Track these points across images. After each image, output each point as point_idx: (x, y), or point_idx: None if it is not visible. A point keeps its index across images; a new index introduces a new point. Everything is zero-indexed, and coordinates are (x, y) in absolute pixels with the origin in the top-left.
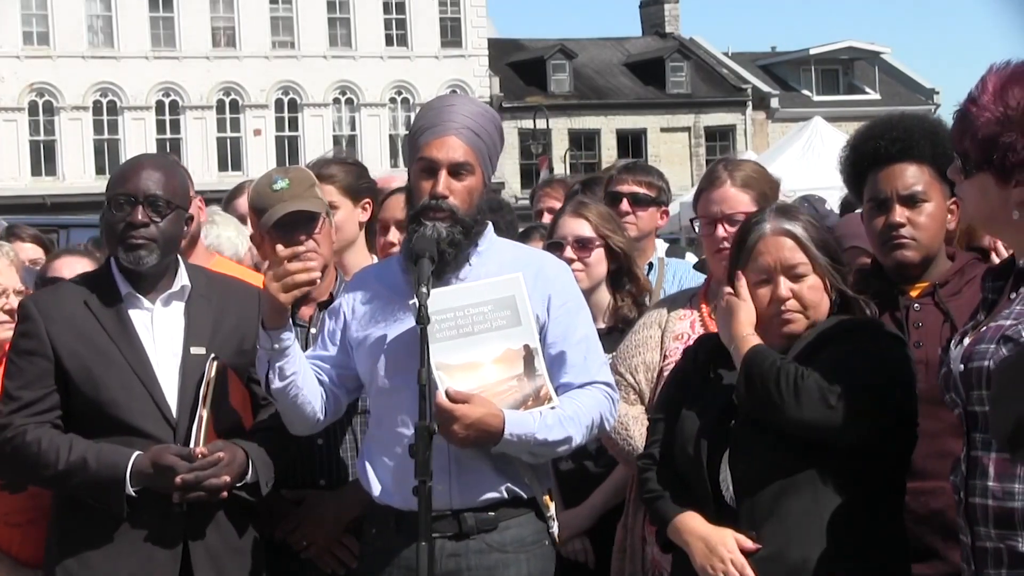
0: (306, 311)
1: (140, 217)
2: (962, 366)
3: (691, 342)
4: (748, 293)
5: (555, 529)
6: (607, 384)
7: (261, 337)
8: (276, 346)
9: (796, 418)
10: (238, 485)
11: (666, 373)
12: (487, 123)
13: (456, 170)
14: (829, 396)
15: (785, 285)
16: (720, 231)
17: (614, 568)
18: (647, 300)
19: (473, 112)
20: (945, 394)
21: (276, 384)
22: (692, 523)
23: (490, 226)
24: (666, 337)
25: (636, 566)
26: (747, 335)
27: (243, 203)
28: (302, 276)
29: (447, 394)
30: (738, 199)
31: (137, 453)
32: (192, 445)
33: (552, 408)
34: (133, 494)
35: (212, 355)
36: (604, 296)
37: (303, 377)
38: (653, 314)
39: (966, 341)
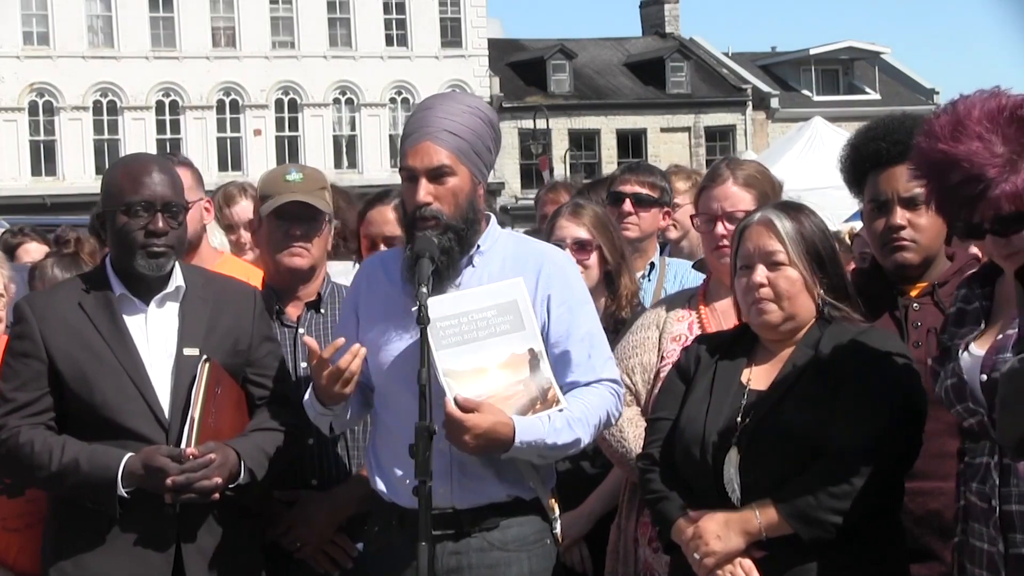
0: (293, 311)
1: (161, 225)
2: (984, 376)
3: (689, 343)
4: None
5: (558, 529)
6: (613, 381)
7: (319, 408)
8: (337, 413)
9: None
10: (231, 486)
11: (663, 374)
12: (469, 120)
13: (436, 174)
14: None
15: (761, 272)
16: (719, 228)
17: (608, 569)
18: (643, 301)
19: (452, 111)
20: (956, 405)
21: (336, 432)
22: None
23: (493, 220)
24: (664, 338)
25: (629, 568)
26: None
27: (238, 210)
28: (355, 365)
29: (456, 402)
30: (739, 197)
31: (129, 454)
32: (183, 446)
33: (560, 411)
34: (125, 495)
35: (204, 356)
36: (599, 298)
37: (354, 405)
38: (651, 315)
39: (974, 349)
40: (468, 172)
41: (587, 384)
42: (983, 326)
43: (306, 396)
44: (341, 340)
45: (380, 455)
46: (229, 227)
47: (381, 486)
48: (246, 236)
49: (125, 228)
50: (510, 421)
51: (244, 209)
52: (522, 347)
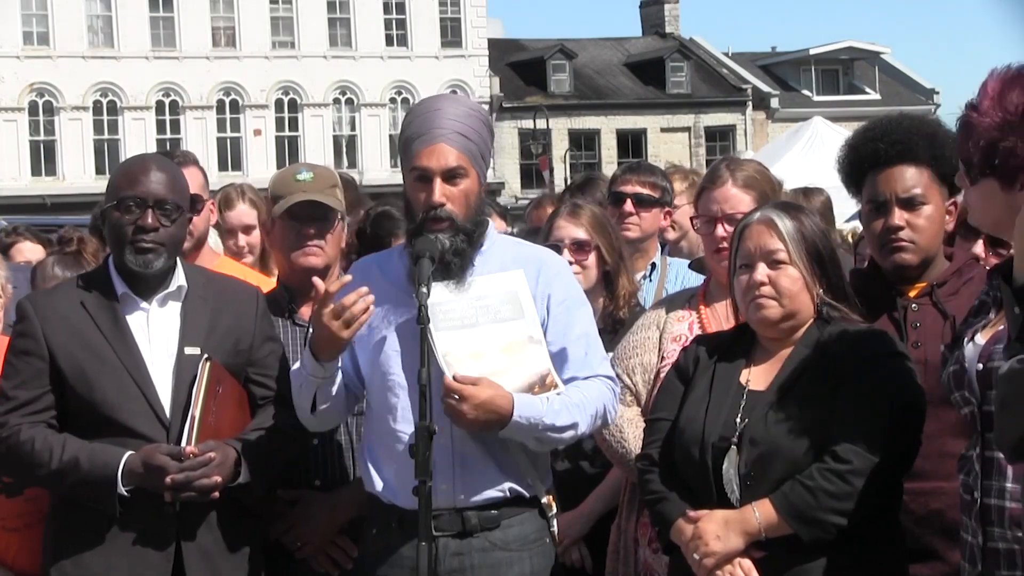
0: (307, 311)
1: (151, 221)
2: (980, 365)
3: (688, 343)
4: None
5: (555, 527)
6: (609, 377)
7: (310, 366)
8: (327, 375)
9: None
10: (230, 485)
11: (663, 375)
12: (475, 123)
13: (450, 176)
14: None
15: (762, 270)
16: (719, 230)
17: (608, 570)
18: (642, 301)
19: (460, 114)
20: (955, 392)
21: (321, 406)
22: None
23: (491, 224)
24: (664, 339)
25: (629, 568)
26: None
27: (235, 215)
28: (359, 306)
29: (455, 378)
30: (739, 199)
31: (129, 453)
32: (183, 445)
33: (559, 394)
34: (125, 494)
35: (205, 355)
36: (597, 298)
37: (339, 391)
38: (651, 315)
39: (979, 339)
40: (476, 174)
41: (584, 379)
42: (992, 316)
43: (296, 364)
44: (348, 277)
45: (379, 456)
46: (227, 231)
47: (379, 488)
48: (243, 240)
49: (117, 223)
50: (509, 395)
51: (242, 214)
52: (521, 335)
